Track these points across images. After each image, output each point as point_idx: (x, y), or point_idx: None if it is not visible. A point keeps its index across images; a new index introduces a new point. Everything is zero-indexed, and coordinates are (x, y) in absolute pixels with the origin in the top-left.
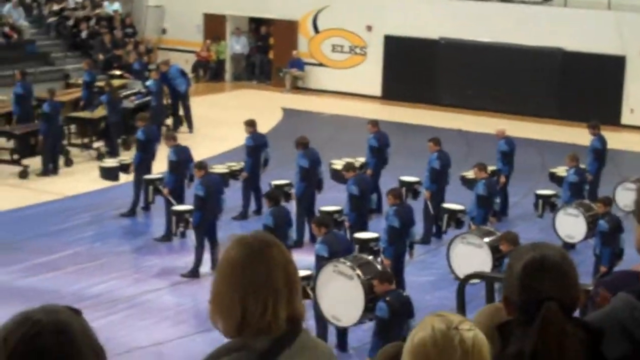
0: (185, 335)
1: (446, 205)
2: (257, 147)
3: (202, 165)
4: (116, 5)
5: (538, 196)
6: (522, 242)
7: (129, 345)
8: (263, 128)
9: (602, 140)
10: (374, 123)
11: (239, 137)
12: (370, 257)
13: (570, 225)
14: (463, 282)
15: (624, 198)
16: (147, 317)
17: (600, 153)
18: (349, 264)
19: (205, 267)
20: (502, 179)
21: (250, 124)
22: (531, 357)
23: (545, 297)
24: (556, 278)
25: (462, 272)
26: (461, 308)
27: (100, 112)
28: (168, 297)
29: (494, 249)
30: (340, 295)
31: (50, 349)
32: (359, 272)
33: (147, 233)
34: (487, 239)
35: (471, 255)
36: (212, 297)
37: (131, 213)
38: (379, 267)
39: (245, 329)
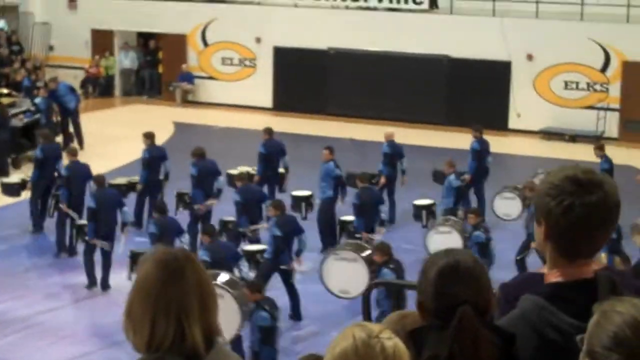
0: (84, 355)
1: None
2: (153, 159)
3: (98, 179)
4: (1, 23)
5: (418, 207)
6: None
7: None
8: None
9: (483, 143)
10: (268, 131)
11: (131, 153)
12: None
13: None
14: (368, 290)
15: (502, 206)
16: (45, 337)
17: (478, 154)
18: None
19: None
20: (382, 180)
21: (148, 137)
22: None
23: (460, 301)
24: (470, 282)
25: (338, 288)
26: (367, 316)
27: None
28: (65, 316)
29: (369, 261)
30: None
31: None
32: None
33: (42, 251)
34: (361, 254)
35: (347, 270)
36: (125, 311)
37: (38, 229)
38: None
39: (154, 345)
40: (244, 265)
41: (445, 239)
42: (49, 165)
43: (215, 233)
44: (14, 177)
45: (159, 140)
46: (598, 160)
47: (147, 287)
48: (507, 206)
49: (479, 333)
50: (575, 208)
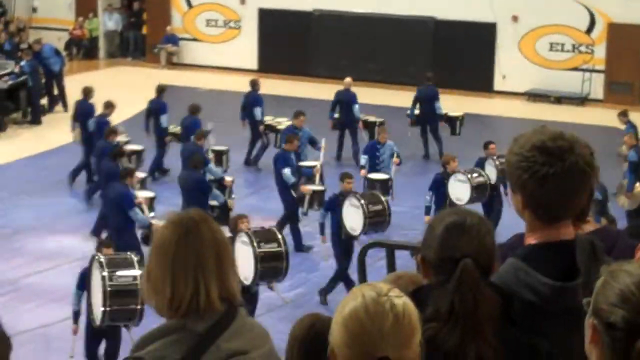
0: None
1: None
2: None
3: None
4: None
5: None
6: None
7: (15, 328)
8: (140, 105)
9: None
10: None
11: (116, 115)
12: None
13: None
14: (363, 251)
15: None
16: (33, 299)
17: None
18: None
19: None
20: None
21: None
22: (448, 314)
23: (463, 255)
24: (474, 238)
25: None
26: (362, 276)
27: None
28: (55, 278)
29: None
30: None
31: None
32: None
33: (36, 214)
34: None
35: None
36: (145, 275)
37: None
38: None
39: (175, 307)
40: None
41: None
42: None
43: None
44: None
45: (145, 103)
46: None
47: (164, 248)
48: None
49: (479, 288)
50: (549, 177)
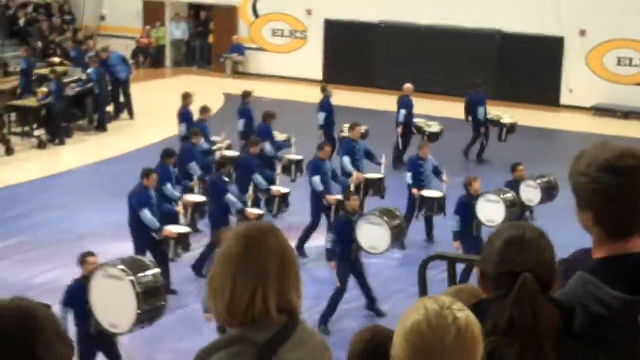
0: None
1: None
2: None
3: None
4: None
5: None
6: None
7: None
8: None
9: None
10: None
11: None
12: None
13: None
14: (424, 264)
15: (527, 194)
16: None
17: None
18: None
19: None
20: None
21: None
22: (507, 328)
23: (522, 270)
24: (533, 253)
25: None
26: (423, 289)
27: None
28: None
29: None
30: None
31: (12, 331)
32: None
33: (100, 219)
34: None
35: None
36: (208, 281)
37: None
38: None
39: (233, 313)
40: None
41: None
42: None
43: None
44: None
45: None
46: None
47: (228, 256)
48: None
49: (539, 302)
50: (621, 197)
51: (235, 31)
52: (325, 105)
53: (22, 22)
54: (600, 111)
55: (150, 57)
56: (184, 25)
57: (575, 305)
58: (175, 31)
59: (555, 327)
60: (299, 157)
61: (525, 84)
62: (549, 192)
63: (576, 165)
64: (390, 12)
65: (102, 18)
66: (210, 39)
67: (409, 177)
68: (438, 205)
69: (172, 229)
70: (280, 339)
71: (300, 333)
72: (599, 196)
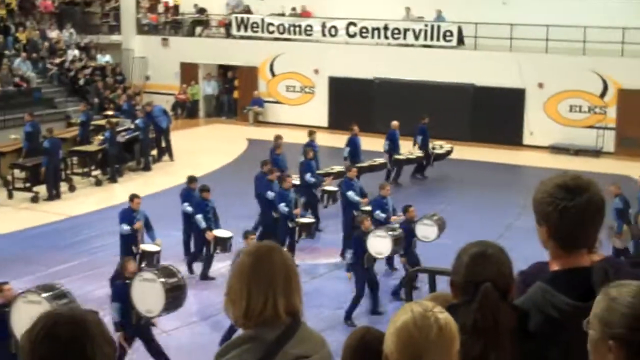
0: (185, 325)
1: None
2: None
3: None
4: (107, 57)
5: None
6: None
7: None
8: (232, 156)
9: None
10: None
11: (212, 164)
12: None
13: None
14: (411, 275)
15: (422, 231)
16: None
17: None
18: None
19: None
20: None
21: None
22: (472, 328)
23: (484, 280)
24: (494, 266)
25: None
26: (409, 296)
27: (95, 146)
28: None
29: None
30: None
31: (65, 335)
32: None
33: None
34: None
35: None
36: (226, 291)
37: None
38: None
39: (249, 317)
40: None
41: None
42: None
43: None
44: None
45: (236, 154)
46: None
47: (242, 269)
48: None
49: (498, 307)
50: (569, 209)
51: (256, 87)
52: (351, 142)
53: (81, 81)
54: (556, 149)
55: (187, 110)
56: (214, 83)
57: (533, 309)
58: (207, 88)
59: (512, 327)
60: (334, 188)
61: (494, 127)
62: (442, 228)
63: (538, 187)
64: (383, 71)
65: (147, 78)
66: (236, 94)
67: (377, 213)
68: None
69: (215, 232)
70: (286, 337)
71: (302, 331)
72: (551, 208)
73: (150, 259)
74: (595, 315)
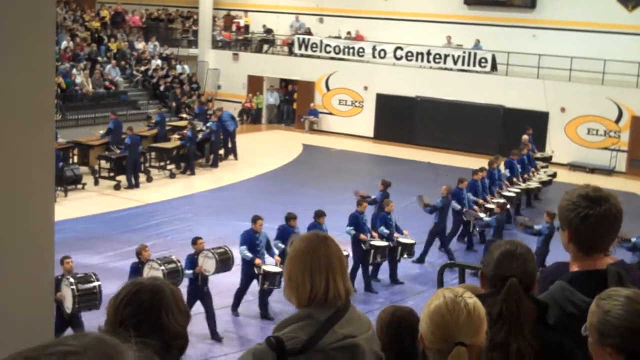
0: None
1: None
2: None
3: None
4: (185, 68)
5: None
6: None
7: (194, 309)
8: (288, 158)
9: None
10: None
11: (272, 164)
12: None
13: None
14: (443, 268)
15: (205, 264)
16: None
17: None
18: None
19: None
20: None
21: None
22: (497, 317)
23: (510, 275)
24: (520, 263)
25: None
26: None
27: (174, 142)
28: (223, 278)
29: None
30: None
31: (146, 301)
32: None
33: (204, 230)
34: None
35: None
36: (286, 279)
37: None
38: None
39: (313, 298)
40: None
41: None
42: None
43: None
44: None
45: (292, 157)
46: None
47: (302, 254)
48: None
49: (521, 299)
50: (590, 217)
51: (312, 99)
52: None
53: (162, 87)
54: (574, 167)
55: (251, 116)
56: (276, 94)
57: (553, 304)
58: (269, 98)
59: (533, 318)
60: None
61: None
62: (225, 261)
63: (563, 197)
64: (425, 90)
65: (219, 87)
66: (294, 105)
67: (382, 228)
68: (408, 249)
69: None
70: (336, 317)
71: (351, 313)
72: (573, 214)
73: (272, 279)
74: (592, 325)
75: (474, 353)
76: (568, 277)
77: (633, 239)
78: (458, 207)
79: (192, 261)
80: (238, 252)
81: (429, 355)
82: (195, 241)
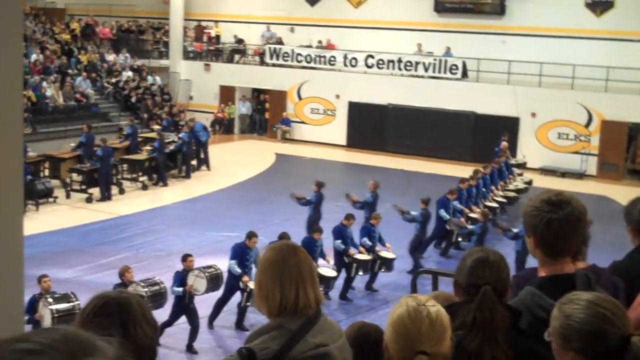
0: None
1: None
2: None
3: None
4: (157, 79)
5: None
6: None
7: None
8: (261, 168)
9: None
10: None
11: (245, 174)
12: None
13: None
14: (416, 276)
15: (194, 282)
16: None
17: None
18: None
19: None
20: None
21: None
22: (471, 325)
23: (484, 282)
24: (494, 270)
25: None
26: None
27: (145, 154)
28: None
29: None
30: None
31: (113, 314)
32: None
33: (178, 242)
34: None
35: None
36: (256, 288)
37: None
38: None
39: (283, 308)
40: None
41: None
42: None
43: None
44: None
45: (265, 166)
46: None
47: (272, 264)
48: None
49: (495, 307)
50: (553, 221)
51: (284, 108)
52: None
53: (133, 99)
54: (545, 171)
55: (223, 127)
56: (248, 104)
57: (524, 310)
58: (242, 108)
59: (506, 325)
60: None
61: (491, 150)
62: (215, 281)
63: (527, 202)
64: (396, 98)
65: (191, 97)
66: (267, 114)
67: (365, 240)
68: (387, 264)
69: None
70: (308, 326)
71: (323, 322)
72: (537, 220)
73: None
74: (555, 330)
75: None
76: (537, 282)
77: (515, 230)
78: (447, 216)
79: (181, 278)
80: (226, 265)
81: None
82: (185, 258)
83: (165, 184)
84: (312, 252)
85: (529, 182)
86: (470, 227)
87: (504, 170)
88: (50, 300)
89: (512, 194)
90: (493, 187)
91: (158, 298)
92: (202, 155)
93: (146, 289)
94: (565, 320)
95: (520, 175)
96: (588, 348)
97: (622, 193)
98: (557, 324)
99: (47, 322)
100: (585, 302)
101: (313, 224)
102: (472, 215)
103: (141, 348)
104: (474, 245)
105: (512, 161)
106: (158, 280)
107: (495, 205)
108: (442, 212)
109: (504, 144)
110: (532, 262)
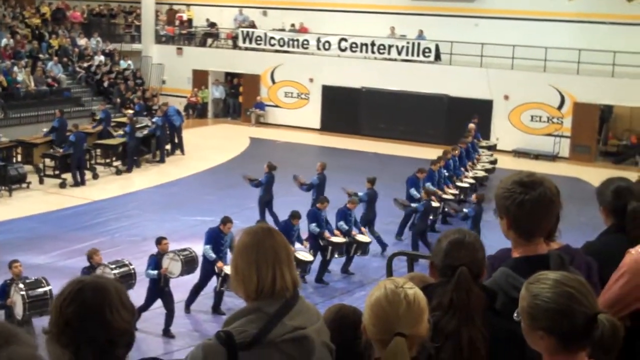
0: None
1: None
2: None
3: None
4: (129, 63)
5: None
6: None
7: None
8: (235, 152)
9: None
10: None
11: (219, 158)
12: None
13: None
14: (391, 258)
15: (170, 265)
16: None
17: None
18: None
19: None
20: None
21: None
22: (448, 306)
23: (460, 264)
24: (469, 252)
25: None
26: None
27: (117, 139)
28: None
29: None
30: None
31: (89, 298)
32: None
33: (153, 226)
34: None
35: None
36: (232, 272)
37: None
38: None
39: (260, 291)
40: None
41: None
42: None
43: None
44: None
45: (239, 150)
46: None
47: (247, 248)
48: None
49: (471, 288)
50: (525, 202)
51: (258, 92)
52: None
53: (106, 83)
54: (518, 154)
55: (197, 111)
56: (222, 88)
57: (498, 291)
58: (215, 92)
59: (482, 305)
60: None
61: (465, 132)
62: (190, 264)
63: (499, 184)
64: (370, 81)
65: (163, 82)
66: (240, 98)
67: (342, 224)
68: (363, 248)
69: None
70: (285, 309)
71: (300, 305)
72: (509, 202)
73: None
74: (523, 309)
75: (414, 343)
76: (510, 263)
77: (465, 210)
78: (417, 195)
79: (156, 262)
80: (201, 249)
81: (372, 346)
82: (159, 241)
83: (129, 171)
84: (290, 237)
85: (494, 162)
86: (465, 210)
87: (470, 151)
88: (21, 286)
89: (481, 174)
90: (462, 168)
91: (128, 279)
92: (176, 140)
93: (115, 271)
94: (533, 300)
95: (490, 155)
96: (555, 327)
97: (594, 175)
98: (525, 304)
99: (19, 307)
100: (552, 282)
101: (264, 205)
102: (444, 196)
103: (119, 332)
104: (471, 228)
105: (483, 143)
106: (127, 261)
107: (466, 185)
108: (413, 191)
109: (471, 125)
110: (504, 242)
